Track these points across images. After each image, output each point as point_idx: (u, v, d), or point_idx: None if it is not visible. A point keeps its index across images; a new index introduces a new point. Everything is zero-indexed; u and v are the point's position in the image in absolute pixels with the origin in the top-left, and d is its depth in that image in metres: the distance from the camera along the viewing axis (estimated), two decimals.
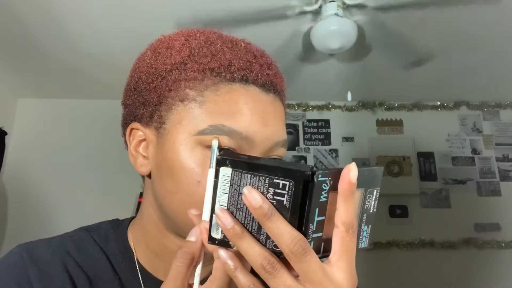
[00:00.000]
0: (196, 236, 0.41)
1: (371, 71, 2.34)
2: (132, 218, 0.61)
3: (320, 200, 0.34)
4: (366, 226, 0.40)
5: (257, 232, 0.36)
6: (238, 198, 0.36)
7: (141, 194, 2.25)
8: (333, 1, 1.64)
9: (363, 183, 0.37)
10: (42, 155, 2.56)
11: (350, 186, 0.35)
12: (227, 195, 0.36)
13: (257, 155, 0.48)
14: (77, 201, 2.42)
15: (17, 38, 1.97)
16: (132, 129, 0.54)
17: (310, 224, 0.34)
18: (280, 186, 0.34)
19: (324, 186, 0.34)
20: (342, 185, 0.35)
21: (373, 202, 0.39)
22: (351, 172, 0.34)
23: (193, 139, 0.47)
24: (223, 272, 0.38)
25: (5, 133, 2.43)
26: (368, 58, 2.18)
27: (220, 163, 0.36)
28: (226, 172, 0.35)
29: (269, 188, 0.34)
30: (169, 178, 0.49)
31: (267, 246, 0.35)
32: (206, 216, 0.40)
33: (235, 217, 0.36)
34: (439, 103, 2.77)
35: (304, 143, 2.71)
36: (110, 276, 0.54)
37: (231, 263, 0.37)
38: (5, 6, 1.72)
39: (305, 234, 0.34)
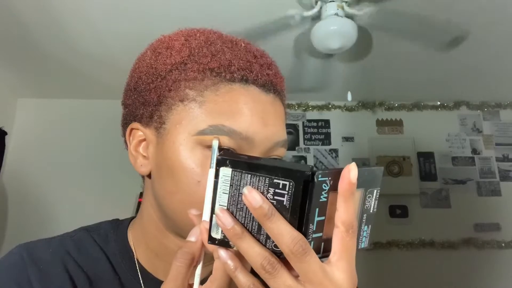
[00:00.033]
0: (196, 236, 0.41)
1: (371, 71, 2.34)
2: (132, 218, 0.61)
3: (320, 200, 0.34)
4: (366, 226, 0.40)
5: (257, 232, 0.36)
6: (238, 198, 0.36)
7: (141, 194, 2.25)
8: (333, 1, 1.63)
9: (363, 183, 0.37)
10: (42, 155, 2.56)
11: (350, 186, 0.35)
12: (227, 195, 0.36)
13: (257, 155, 0.48)
14: (77, 201, 2.42)
15: (17, 38, 1.97)
16: (132, 129, 0.54)
17: (310, 224, 0.34)
18: (280, 186, 0.34)
19: (324, 186, 0.34)
20: (342, 185, 0.35)
21: (373, 202, 0.39)
22: (351, 172, 0.34)
23: (193, 139, 0.47)
24: (223, 272, 0.38)
25: (5, 133, 2.43)
26: (368, 58, 2.18)
27: (220, 163, 0.36)
28: (226, 172, 0.35)
29: (269, 188, 0.34)
30: (169, 178, 0.49)
31: (267, 246, 0.35)
32: (206, 216, 0.40)
33: (235, 217, 0.36)
34: (439, 103, 2.77)
35: (304, 143, 2.71)
36: (110, 276, 0.54)
37: (231, 263, 0.37)
38: (5, 6, 1.72)
39: (305, 234, 0.34)
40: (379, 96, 2.73)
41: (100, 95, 2.53)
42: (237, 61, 0.50)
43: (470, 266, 2.50)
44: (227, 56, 0.50)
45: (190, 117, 0.48)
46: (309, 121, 2.76)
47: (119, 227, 0.59)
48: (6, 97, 2.55)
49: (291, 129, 2.71)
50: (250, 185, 0.35)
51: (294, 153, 2.68)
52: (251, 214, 0.35)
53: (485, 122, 2.78)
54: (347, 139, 2.72)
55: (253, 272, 0.37)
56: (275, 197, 0.34)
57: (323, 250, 0.37)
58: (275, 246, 0.35)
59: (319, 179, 0.34)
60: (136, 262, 0.55)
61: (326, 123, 2.76)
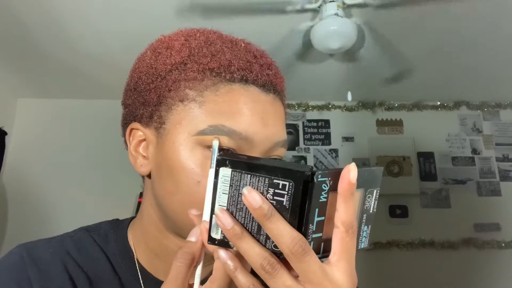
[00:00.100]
0: (196, 236, 0.41)
1: (371, 71, 2.34)
2: (132, 218, 0.61)
3: (320, 200, 0.34)
4: (366, 226, 0.40)
5: (257, 233, 0.36)
6: (238, 199, 0.36)
7: (141, 194, 2.25)
8: (333, 1, 1.64)
9: (363, 183, 0.37)
10: (42, 155, 2.56)
11: (350, 186, 0.35)
12: (226, 195, 0.36)
13: (257, 155, 0.48)
14: (77, 201, 2.42)
15: (17, 38, 1.97)
16: (132, 129, 0.54)
17: (310, 225, 0.34)
18: (280, 187, 0.34)
19: (324, 187, 0.34)
20: (342, 185, 0.35)
21: (373, 202, 0.39)
22: (351, 173, 0.34)
23: (193, 139, 0.47)
24: (223, 273, 0.38)
25: (5, 133, 2.43)
26: (368, 58, 2.18)
27: (219, 164, 0.36)
28: (225, 172, 0.35)
29: (269, 189, 0.34)
30: (169, 178, 0.49)
31: (267, 247, 0.35)
32: (206, 216, 0.40)
33: (235, 217, 0.36)
34: (439, 103, 2.77)
35: (304, 143, 2.71)
36: (110, 276, 0.54)
37: (231, 263, 0.37)
38: (5, 6, 1.72)
39: (305, 234, 0.34)
40: (379, 96, 2.73)
41: (100, 95, 2.53)
42: (237, 61, 0.50)
43: (470, 266, 2.50)
44: (227, 56, 0.50)
45: (190, 117, 0.48)
46: (309, 121, 2.76)
47: (119, 227, 0.59)
48: (6, 97, 2.55)
49: (291, 129, 2.71)
50: (249, 185, 0.35)
51: (294, 153, 2.68)
52: (250, 214, 0.35)
53: (485, 122, 2.78)
54: (347, 139, 2.72)
55: (253, 273, 0.37)
56: (275, 198, 0.34)
57: (323, 250, 0.37)
58: (275, 246, 0.35)
59: (319, 179, 0.34)
60: (136, 262, 0.55)
61: (326, 123, 2.76)
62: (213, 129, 0.47)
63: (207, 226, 0.38)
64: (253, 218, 0.35)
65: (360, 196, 0.38)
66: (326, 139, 2.72)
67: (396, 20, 1.82)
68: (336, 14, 1.61)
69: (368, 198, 0.39)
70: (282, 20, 1.81)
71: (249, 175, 0.35)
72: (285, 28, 1.88)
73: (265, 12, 1.76)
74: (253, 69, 0.50)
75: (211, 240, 0.37)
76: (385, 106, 2.77)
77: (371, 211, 0.40)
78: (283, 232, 0.34)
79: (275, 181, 0.34)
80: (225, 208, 0.36)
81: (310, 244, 0.34)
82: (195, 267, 0.41)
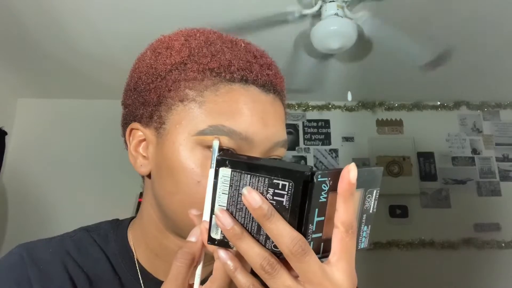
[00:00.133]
0: (196, 236, 0.41)
1: (371, 71, 2.34)
2: (132, 218, 0.61)
3: (320, 200, 0.35)
4: (365, 227, 0.40)
5: (257, 233, 0.36)
6: (237, 199, 0.36)
7: (141, 194, 2.25)
8: (333, 1, 1.63)
9: (362, 183, 0.37)
10: (42, 155, 2.56)
11: (349, 186, 0.35)
12: (226, 195, 0.36)
13: (257, 155, 0.48)
14: (77, 201, 2.42)
15: (17, 38, 1.97)
16: (132, 129, 0.54)
17: (310, 225, 0.34)
18: (280, 187, 0.34)
19: (324, 187, 0.34)
20: (341, 185, 0.35)
21: (372, 202, 0.39)
22: (350, 173, 0.34)
23: (193, 139, 0.47)
24: (223, 272, 0.38)
25: (5, 133, 2.43)
26: (368, 58, 2.18)
27: (219, 164, 0.36)
28: (225, 172, 0.35)
29: (269, 189, 0.34)
30: (169, 178, 0.49)
31: (267, 247, 0.35)
32: (206, 216, 0.40)
33: (234, 217, 0.36)
34: (439, 103, 2.77)
35: (304, 143, 2.71)
36: (110, 276, 0.54)
37: (230, 263, 0.37)
38: (5, 6, 1.72)
39: (305, 234, 0.34)
40: (379, 96, 2.73)
41: (100, 95, 2.53)
42: (237, 61, 0.50)
43: (470, 266, 2.50)
44: (227, 56, 0.50)
45: (190, 117, 0.48)
46: (309, 121, 2.76)
47: (119, 227, 0.59)
48: (6, 97, 2.55)
49: (291, 129, 2.71)
50: (249, 185, 0.35)
51: (294, 153, 2.68)
52: (250, 214, 0.35)
53: (485, 122, 2.78)
54: (347, 139, 2.72)
55: (253, 273, 0.37)
56: (275, 198, 0.34)
57: (323, 250, 0.37)
58: (275, 246, 0.35)
59: (319, 179, 0.34)
60: (136, 262, 0.55)
61: (326, 123, 2.76)
62: (213, 129, 0.47)
63: (207, 226, 0.38)
64: (252, 218, 0.35)
65: (360, 196, 0.38)
66: (326, 139, 2.73)
67: (396, 21, 1.82)
68: (336, 14, 1.61)
69: (368, 198, 0.39)
70: (284, 30, 1.84)
71: (249, 175, 0.35)
72: (288, 36, 1.91)
73: (268, 26, 1.79)
74: (253, 69, 0.50)
75: (211, 240, 0.37)
76: (385, 106, 2.77)
77: (371, 211, 0.40)
78: (282, 232, 0.34)
79: (274, 181, 0.34)
80: (225, 208, 0.36)
81: (310, 244, 0.34)
82: (195, 267, 0.41)
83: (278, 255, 0.35)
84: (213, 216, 0.37)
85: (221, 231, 0.37)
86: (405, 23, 1.83)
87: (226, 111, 0.47)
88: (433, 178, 2.65)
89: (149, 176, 0.53)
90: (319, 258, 0.35)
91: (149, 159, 0.52)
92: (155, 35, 0.58)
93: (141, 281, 0.54)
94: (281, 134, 0.51)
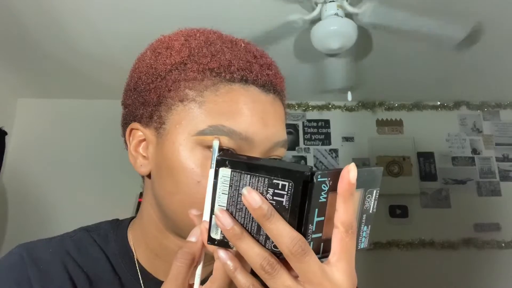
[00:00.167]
0: (196, 236, 0.41)
1: (371, 71, 2.34)
2: (132, 218, 0.61)
3: (320, 200, 0.35)
4: (365, 227, 0.40)
5: (257, 233, 0.36)
6: (237, 199, 0.36)
7: (141, 194, 2.25)
8: (333, 1, 1.63)
9: (362, 183, 0.37)
10: (42, 155, 2.56)
11: (349, 186, 0.35)
12: (226, 195, 0.36)
13: (257, 155, 0.48)
14: (77, 201, 2.42)
15: (17, 38, 1.97)
16: (132, 129, 0.54)
17: (310, 225, 0.34)
18: (280, 187, 0.34)
19: (324, 187, 0.34)
20: (341, 185, 0.35)
21: (372, 202, 0.39)
22: (350, 173, 0.34)
23: (192, 140, 0.47)
24: (223, 273, 0.38)
25: (5, 133, 2.43)
26: (368, 58, 2.18)
27: (219, 164, 0.36)
28: (225, 173, 0.35)
29: (269, 189, 0.34)
30: (169, 178, 0.49)
31: (267, 247, 0.35)
32: (206, 216, 0.40)
33: (234, 217, 0.36)
34: (439, 103, 2.78)
35: (304, 143, 2.71)
36: (110, 276, 0.54)
37: (230, 263, 0.37)
38: (5, 6, 1.72)
39: (305, 234, 0.34)
40: (379, 96, 2.73)
41: (100, 95, 2.53)
42: (237, 61, 0.50)
43: (470, 266, 2.50)
44: (227, 56, 0.50)
45: (190, 117, 0.48)
46: (309, 121, 2.76)
47: (119, 227, 0.59)
48: (6, 97, 2.55)
49: (291, 129, 2.71)
50: (249, 185, 0.35)
51: (294, 153, 2.68)
52: (250, 214, 0.35)
53: (485, 122, 2.78)
54: (347, 139, 2.72)
55: (253, 273, 0.37)
56: (275, 198, 0.34)
57: (323, 250, 0.37)
58: (275, 246, 0.35)
59: (319, 179, 0.34)
60: (136, 262, 0.55)
61: (326, 123, 2.76)
62: (213, 129, 0.47)
63: (207, 226, 0.38)
64: (252, 218, 0.35)
65: (359, 196, 0.38)
66: (326, 139, 2.73)
67: (396, 20, 1.81)
68: (336, 14, 1.61)
69: (367, 198, 0.39)
70: (283, 16, 1.81)
71: (248, 176, 0.35)
72: (285, 25, 1.88)
73: (274, 40, 1.79)
74: (253, 69, 0.50)
75: (211, 240, 0.37)
76: (385, 106, 2.77)
77: (370, 211, 0.40)
78: (282, 232, 0.34)
79: (274, 181, 0.34)
80: (225, 208, 0.36)
81: (309, 244, 0.34)
82: (195, 267, 0.41)
83: (278, 255, 0.35)
84: (213, 216, 0.37)
85: (221, 231, 0.37)
86: (404, 23, 1.82)
87: (226, 111, 0.47)
88: (433, 178, 2.65)
89: (149, 176, 0.53)
90: (319, 258, 0.35)
91: (149, 159, 0.52)
92: (155, 35, 0.58)
93: (141, 281, 0.54)
94: (281, 134, 0.51)
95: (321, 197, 0.34)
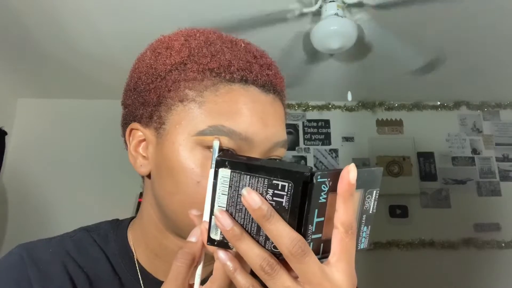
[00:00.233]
0: (197, 236, 0.41)
1: (371, 71, 2.34)
2: (132, 218, 0.61)
3: (319, 201, 0.34)
4: (365, 227, 0.40)
5: (256, 233, 0.36)
6: (237, 200, 0.36)
7: (141, 194, 2.25)
8: (333, 1, 1.63)
9: (362, 184, 0.37)
10: (42, 155, 2.56)
11: (349, 187, 0.35)
12: (226, 196, 0.36)
13: (256, 155, 0.48)
14: (77, 201, 2.42)
15: (17, 38, 1.97)
16: (131, 129, 0.54)
17: (309, 225, 0.34)
18: (279, 187, 0.34)
19: (323, 187, 0.34)
20: (341, 186, 0.35)
21: (372, 203, 0.39)
22: (350, 173, 0.34)
23: (192, 140, 0.47)
24: (223, 273, 0.38)
25: (5, 133, 2.43)
26: (368, 58, 2.18)
27: (219, 165, 0.36)
28: (225, 173, 0.35)
29: (268, 189, 0.34)
30: (169, 178, 0.49)
31: (266, 247, 0.35)
32: (206, 217, 0.40)
33: (234, 218, 0.36)
34: (439, 103, 2.78)
35: (304, 143, 2.71)
36: (110, 276, 0.54)
37: (230, 264, 0.37)
38: (5, 6, 1.72)
39: (304, 235, 0.34)
40: (379, 96, 2.73)
41: (100, 95, 2.53)
42: (237, 62, 0.50)
43: (470, 266, 2.50)
44: (227, 57, 0.50)
45: (189, 117, 0.48)
46: (309, 121, 2.76)
47: (119, 227, 0.59)
48: (6, 97, 2.55)
49: (291, 129, 2.71)
50: (249, 186, 0.35)
51: (294, 153, 2.68)
52: (250, 215, 0.35)
53: (485, 122, 2.78)
54: (347, 139, 2.72)
55: (252, 273, 0.37)
56: (274, 198, 0.34)
57: (323, 251, 0.37)
58: (274, 247, 0.35)
59: (318, 180, 0.34)
60: (136, 262, 0.55)
61: (326, 123, 2.76)
62: (212, 130, 0.47)
63: (207, 227, 0.38)
64: (252, 219, 0.35)
65: (359, 196, 0.38)
66: (326, 139, 2.73)
67: (396, 21, 1.82)
68: (336, 14, 1.61)
69: (367, 198, 0.39)
70: (283, 28, 1.83)
71: (248, 176, 0.35)
72: (286, 35, 1.90)
73: (267, 23, 1.77)
74: (253, 69, 0.50)
75: (211, 241, 0.37)
76: (385, 106, 2.77)
77: (370, 212, 0.40)
78: (282, 233, 0.34)
79: (274, 182, 0.34)
80: (225, 209, 0.36)
81: (309, 245, 0.34)
82: (196, 267, 0.41)
83: (278, 256, 0.35)
84: (213, 217, 0.37)
85: (221, 232, 0.37)
86: (401, 28, 1.84)
87: (226, 112, 0.47)
88: (433, 178, 2.65)
89: (149, 176, 0.53)
90: (319, 258, 0.35)
91: (149, 159, 0.52)
92: (155, 35, 0.58)
93: (141, 281, 0.54)
94: (281, 134, 0.51)
95: (321, 197, 0.34)
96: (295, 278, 0.35)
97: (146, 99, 0.52)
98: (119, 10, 1.76)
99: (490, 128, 2.77)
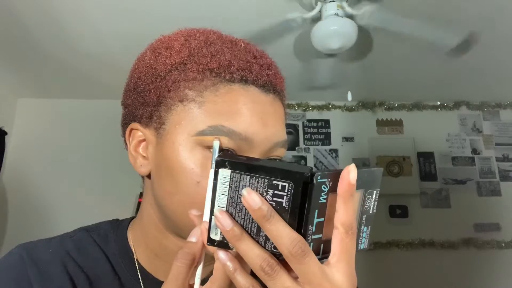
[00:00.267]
0: (197, 236, 0.41)
1: (371, 71, 2.34)
2: (132, 218, 0.61)
3: (320, 201, 0.34)
4: (365, 227, 0.40)
5: (256, 234, 0.36)
6: (237, 200, 0.35)
7: (141, 194, 2.25)
8: (333, 1, 1.63)
9: (362, 184, 0.37)
10: (42, 155, 2.56)
11: (349, 187, 0.34)
12: (226, 196, 0.36)
13: (256, 155, 0.48)
14: (77, 201, 2.42)
15: (17, 38, 1.97)
16: (131, 129, 0.54)
17: (310, 226, 0.34)
18: (279, 188, 0.34)
19: (324, 188, 0.34)
20: (341, 186, 0.35)
21: (372, 203, 0.39)
22: (350, 174, 0.34)
23: (192, 140, 0.47)
24: (223, 273, 0.38)
25: (5, 133, 2.43)
26: (368, 58, 2.18)
27: (219, 165, 0.36)
28: (225, 173, 0.35)
29: (268, 190, 0.34)
30: (169, 178, 0.49)
31: (266, 248, 0.35)
32: (206, 217, 0.40)
33: (234, 218, 0.36)
34: (439, 103, 2.78)
35: (304, 143, 2.71)
36: (110, 276, 0.54)
37: (230, 264, 0.37)
38: (5, 6, 1.72)
39: (304, 235, 0.34)
40: (379, 96, 2.73)
41: (100, 95, 2.53)
42: (237, 62, 0.50)
43: (470, 266, 2.50)
44: (227, 57, 0.50)
45: (189, 117, 0.48)
46: (309, 121, 2.76)
47: (119, 227, 0.59)
48: (6, 97, 2.55)
49: (291, 129, 2.71)
50: (249, 186, 0.35)
51: (294, 153, 2.68)
52: (250, 215, 0.35)
53: (485, 122, 2.78)
54: (347, 139, 2.72)
55: (252, 274, 0.37)
56: (274, 199, 0.34)
57: (323, 251, 0.37)
58: (274, 247, 0.35)
59: (318, 180, 0.34)
60: (136, 262, 0.55)
61: (326, 123, 2.76)
62: (212, 130, 0.46)
63: (207, 227, 0.38)
64: (252, 219, 0.35)
65: (359, 197, 0.38)
66: (326, 139, 2.72)
67: (396, 20, 1.81)
68: (336, 14, 1.61)
69: (367, 199, 0.39)
70: (283, 16, 1.80)
71: (248, 176, 0.35)
72: (285, 25, 1.87)
73: (272, 38, 1.76)
74: (253, 69, 0.50)
75: (211, 241, 0.37)
76: (385, 106, 2.77)
77: (370, 212, 0.40)
78: (282, 233, 0.34)
79: (274, 182, 0.34)
80: (225, 209, 0.36)
81: (309, 245, 0.34)
82: (196, 267, 0.41)
83: (278, 256, 0.35)
84: (213, 217, 0.36)
85: (221, 232, 0.36)
86: (404, 23, 1.81)
87: (226, 112, 0.47)
88: (433, 178, 2.65)
89: (149, 176, 0.53)
90: (319, 259, 0.35)
91: (149, 159, 0.52)
92: (155, 35, 0.58)
93: (141, 281, 0.54)
94: (281, 134, 0.51)
95: (321, 198, 0.34)
96: (295, 278, 0.35)
97: (146, 99, 0.52)
98: (119, 10, 1.76)
99: (490, 128, 2.77)
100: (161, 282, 0.43)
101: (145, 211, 0.56)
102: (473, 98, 2.76)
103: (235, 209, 0.36)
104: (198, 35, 0.54)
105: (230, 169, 0.35)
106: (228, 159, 0.35)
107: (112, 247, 0.56)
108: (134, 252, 0.56)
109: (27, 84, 2.49)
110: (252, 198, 0.34)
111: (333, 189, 0.35)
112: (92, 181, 2.50)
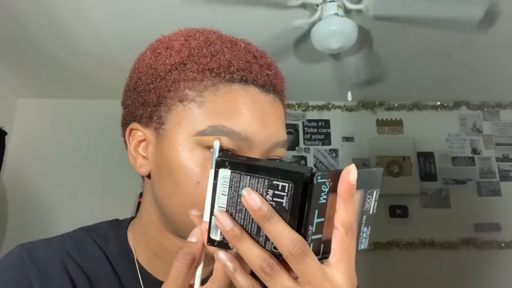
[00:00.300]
0: (197, 236, 0.41)
1: (371, 71, 2.34)
2: (132, 218, 0.61)
3: (320, 201, 0.34)
4: (365, 228, 0.40)
5: (256, 234, 0.36)
6: (237, 200, 0.35)
7: (141, 194, 2.25)
8: (333, 1, 1.63)
9: (362, 184, 0.37)
10: (42, 155, 2.56)
11: (349, 187, 0.34)
12: (226, 196, 0.36)
13: (256, 155, 0.48)
14: (77, 201, 2.42)
15: (17, 38, 1.97)
16: (131, 129, 0.54)
17: (310, 226, 0.34)
18: (279, 188, 0.34)
19: (324, 188, 0.34)
20: (341, 186, 0.35)
21: (372, 203, 0.39)
22: (350, 174, 0.34)
23: (192, 140, 0.47)
24: (223, 273, 0.38)
25: (5, 133, 2.43)
26: (368, 58, 2.18)
27: (219, 165, 0.36)
28: (225, 174, 0.35)
29: (268, 190, 0.34)
30: (169, 178, 0.49)
31: (267, 248, 0.35)
32: (207, 217, 0.40)
33: (234, 218, 0.36)
34: (439, 103, 2.77)
35: (304, 143, 2.71)
36: (110, 276, 0.54)
37: (230, 265, 0.37)
38: (5, 6, 1.72)
39: (305, 235, 0.34)
40: (379, 96, 2.73)
41: (100, 95, 2.53)
42: (237, 62, 0.50)
43: (470, 266, 2.50)
44: (227, 57, 0.50)
45: (189, 117, 0.48)
46: (309, 121, 2.75)
47: (119, 227, 0.59)
48: (6, 97, 2.55)
49: (291, 129, 2.71)
50: (249, 186, 0.35)
51: (294, 153, 2.68)
52: (250, 215, 0.35)
53: (485, 122, 2.78)
54: (347, 139, 2.72)
55: (252, 274, 0.37)
56: (274, 199, 0.34)
57: (323, 251, 0.37)
58: (274, 247, 0.35)
59: (318, 180, 0.34)
60: (136, 262, 0.55)
61: (326, 123, 2.76)
62: (212, 130, 0.46)
63: (207, 227, 0.38)
64: (252, 219, 0.35)
65: (359, 197, 0.38)
66: (326, 139, 2.72)
67: (396, 20, 1.81)
68: (336, 14, 1.61)
69: (368, 199, 0.39)
70: (283, 16, 1.81)
71: (248, 177, 0.35)
72: (285, 25, 1.88)
73: (267, 4, 1.73)
74: (253, 69, 0.50)
75: (211, 241, 0.37)
76: (385, 106, 2.77)
77: (371, 212, 0.40)
78: (282, 233, 0.34)
79: (274, 182, 0.34)
80: (225, 209, 0.36)
81: (309, 246, 0.34)
82: (196, 267, 0.41)
83: (278, 257, 0.35)
84: (213, 217, 0.36)
85: (221, 233, 0.36)
86: (404, 23, 1.81)
87: (226, 112, 0.47)
88: (433, 178, 2.65)
89: (149, 176, 0.53)
90: (319, 259, 0.35)
91: (149, 159, 0.52)
92: (155, 35, 0.58)
93: (140, 281, 0.54)
94: (281, 134, 0.51)
95: (321, 198, 0.34)
96: (295, 278, 0.35)
97: (146, 99, 0.52)
98: (119, 10, 1.76)
99: (490, 128, 2.77)
100: (161, 282, 0.43)
101: (145, 211, 0.56)
102: (473, 98, 2.76)
103: (235, 209, 0.36)
104: (198, 35, 0.54)
105: (230, 169, 0.35)
106: (228, 159, 0.35)
107: (112, 247, 0.56)
108: (134, 252, 0.56)
109: (27, 84, 2.49)
110: (252, 198, 0.34)
111: (333, 189, 0.35)
112: (92, 181, 2.50)
